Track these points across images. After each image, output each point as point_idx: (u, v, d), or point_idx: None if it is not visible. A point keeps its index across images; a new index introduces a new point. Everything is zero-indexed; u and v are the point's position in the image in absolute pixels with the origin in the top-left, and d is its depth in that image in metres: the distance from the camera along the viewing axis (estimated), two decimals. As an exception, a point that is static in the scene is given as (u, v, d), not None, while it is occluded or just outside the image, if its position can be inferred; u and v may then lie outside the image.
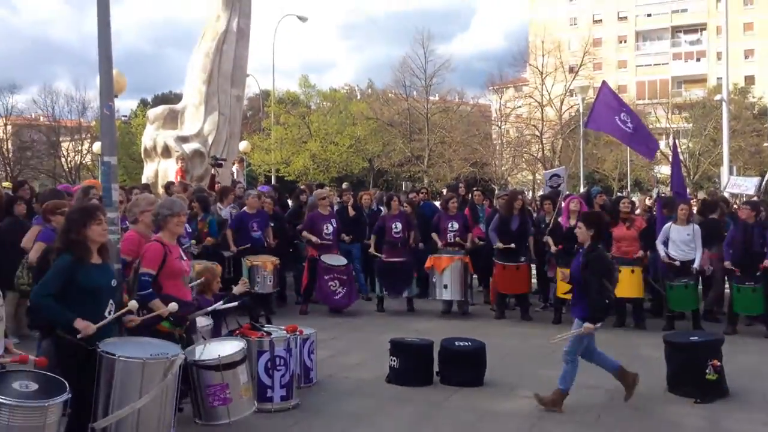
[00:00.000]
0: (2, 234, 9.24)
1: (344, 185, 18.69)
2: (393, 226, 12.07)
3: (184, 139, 18.95)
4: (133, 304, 5.45)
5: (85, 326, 5.03)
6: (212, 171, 15.90)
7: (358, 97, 57.76)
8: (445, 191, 18.04)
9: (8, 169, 55.57)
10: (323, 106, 51.20)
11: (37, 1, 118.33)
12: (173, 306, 5.74)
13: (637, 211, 12.75)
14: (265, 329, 7.22)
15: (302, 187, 16.04)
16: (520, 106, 51.34)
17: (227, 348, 6.25)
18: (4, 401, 4.21)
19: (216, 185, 15.00)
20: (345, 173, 44.17)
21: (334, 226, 11.97)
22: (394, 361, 7.96)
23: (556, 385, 6.94)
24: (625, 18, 74.14)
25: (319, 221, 11.84)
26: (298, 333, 7.41)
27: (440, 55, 49.73)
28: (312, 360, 7.80)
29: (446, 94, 52.85)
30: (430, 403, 7.27)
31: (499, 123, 52.22)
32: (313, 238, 11.64)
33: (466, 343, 8.12)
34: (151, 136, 19.78)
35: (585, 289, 6.84)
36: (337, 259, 11.78)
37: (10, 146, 58.71)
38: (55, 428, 4.46)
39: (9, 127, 59.01)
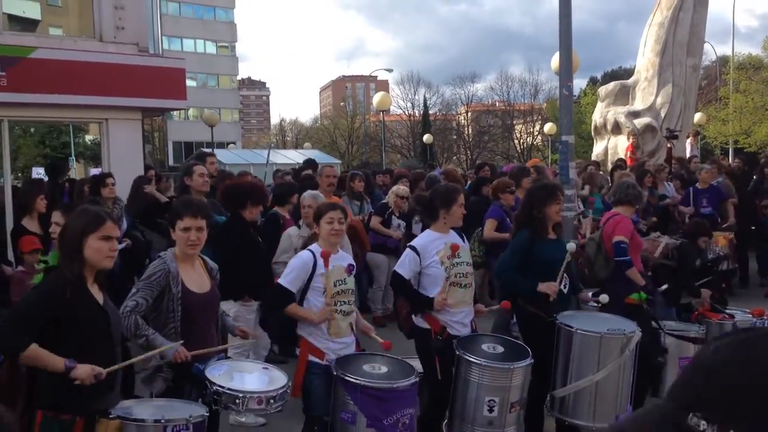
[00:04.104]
0: (471, 210, 10.11)
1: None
2: None
3: (635, 114, 18.65)
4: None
5: (547, 287, 5.28)
6: (667, 144, 15.34)
7: (835, 54, 50.26)
8: None
9: (468, 152, 60.81)
10: (792, 68, 45.69)
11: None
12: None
13: None
14: (727, 311, 6.78)
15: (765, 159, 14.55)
16: None
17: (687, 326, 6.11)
18: (476, 361, 4.68)
19: (672, 159, 14.46)
20: (821, 141, 38.88)
21: None
22: None
23: None
24: None
25: None
26: (765, 317, 6.79)
27: None
28: (782, 348, 7.08)
29: None
30: None
31: None
32: None
33: None
34: (602, 113, 19.87)
35: None
36: None
37: (470, 131, 64.16)
38: (519, 390, 4.79)
39: (469, 114, 64.50)
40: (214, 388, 3.69)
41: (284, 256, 6.74)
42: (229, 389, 3.70)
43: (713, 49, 45.98)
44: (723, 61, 44.22)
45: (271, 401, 3.75)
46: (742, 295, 10.35)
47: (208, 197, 7.25)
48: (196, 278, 4.20)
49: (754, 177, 13.33)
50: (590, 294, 5.84)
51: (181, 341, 3.85)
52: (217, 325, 4.32)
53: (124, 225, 7.77)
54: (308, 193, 7.23)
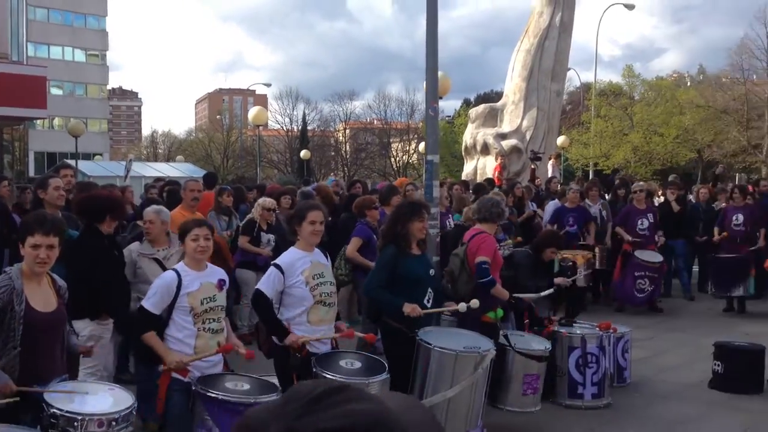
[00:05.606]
0: (341, 228, 10.11)
1: (671, 178, 17.62)
2: (734, 218, 11.35)
3: (502, 136, 19.36)
4: (462, 306, 5.70)
5: (411, 309, 5.39)
6: (531, 165, 16.03)
7: (688, 85, 54.08)
8: None
9: (345, 169, 61.18)
10: (648, 96, 48.74)
11: (375, 12, 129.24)
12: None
13: None
14: (575, 325, 7.14)
15: (618, 181, 15.40)
16: None
17: (535, 343, 6.36)
18: (332, 377, 4.69)
19: (536, 180, 15.09)
20: (670, 165, 41.59)
21: (650, 221, 11.39)
22: (718, 365, 7.40)
23: None
24: None
25: (634, 215, 11.37)
26: (611, 331, 7.19)
27: (785, 32, 44.22)
28: (626, 359, 7.53)
29: (792, 76, 47.17)
30: (760, 413, 6.69)
31: None
32: (626, 236, 11.22)
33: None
34: (472, 134, 20.51)
35: None
36: (652, 255, 11.19)
37: (348, 148, 64.62)
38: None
39: (347, 131, 64.99)
40: (51, 410, 3.53)
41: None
42: (66, 412, 3.54)
43: (578, 76, 48.54)
44: (586, 87, 46.63)
45: (113, 423, 3.62)
46: (595, 310, 10.90)
47: (62, 210, 6.92)
48: (42, 296, 4.02)
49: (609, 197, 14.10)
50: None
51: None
52: (62, 345, 4.15)
53: None
54: (151, 208, 6.96)
